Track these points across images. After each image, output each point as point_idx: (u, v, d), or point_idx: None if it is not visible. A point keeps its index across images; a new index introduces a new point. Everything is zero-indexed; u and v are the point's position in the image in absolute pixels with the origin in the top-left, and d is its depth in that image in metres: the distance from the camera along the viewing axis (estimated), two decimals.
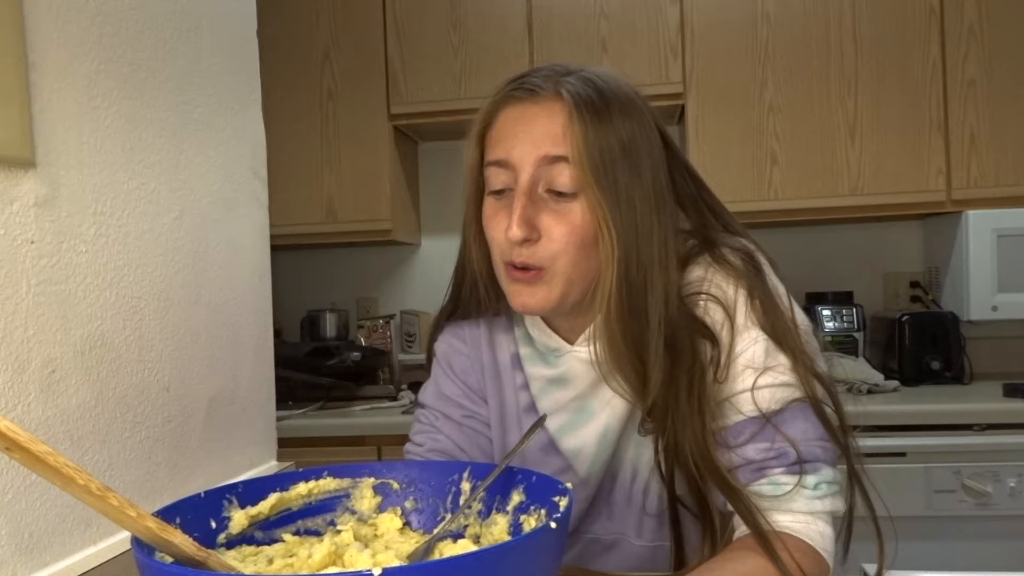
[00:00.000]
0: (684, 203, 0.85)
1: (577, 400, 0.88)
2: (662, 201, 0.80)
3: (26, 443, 0.47)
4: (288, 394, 2.28)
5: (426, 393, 0.97)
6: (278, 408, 1.11)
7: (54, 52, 0.68)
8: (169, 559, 0.53)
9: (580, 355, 0.86)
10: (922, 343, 2.23)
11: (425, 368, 1.01)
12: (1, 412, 0.62)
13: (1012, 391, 2.01)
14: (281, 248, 1.88)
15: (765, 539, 0.72)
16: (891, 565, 0.79)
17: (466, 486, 0.70)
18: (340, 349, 2.43)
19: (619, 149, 0.77)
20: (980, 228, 2.15)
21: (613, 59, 2.32)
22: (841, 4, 2.24)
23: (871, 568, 0.80)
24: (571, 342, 0.88)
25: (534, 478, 0.66)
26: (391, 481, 0.72)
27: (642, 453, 0.86)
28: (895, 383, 2.19)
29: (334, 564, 0.58)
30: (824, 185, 2.25)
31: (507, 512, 0.67)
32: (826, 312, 2.36)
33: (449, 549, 0.62)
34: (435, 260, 2.80)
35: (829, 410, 0.78)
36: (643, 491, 0.87)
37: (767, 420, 0.76)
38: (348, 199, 2.46)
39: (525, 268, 0.79)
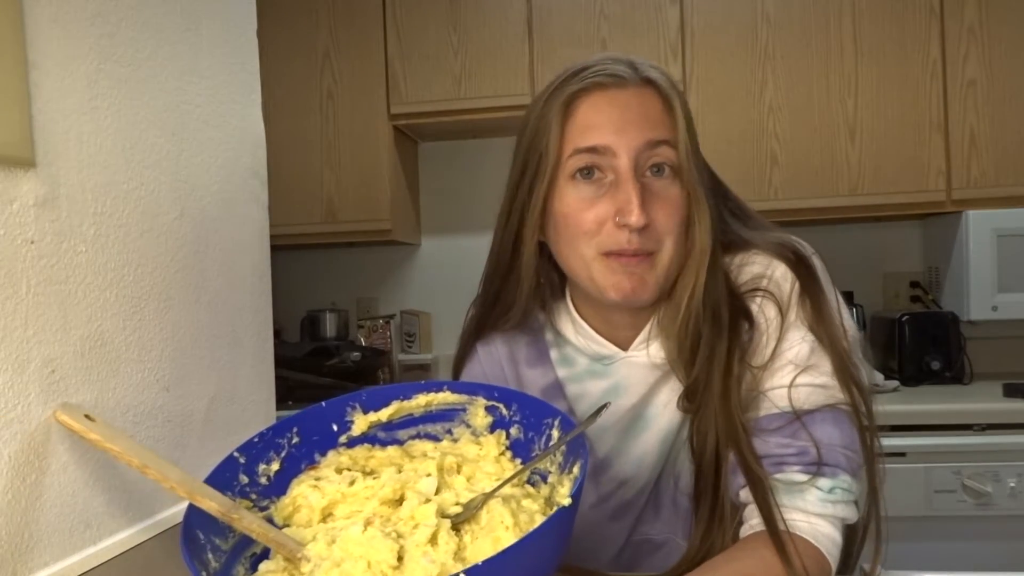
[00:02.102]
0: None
1: (632, 410, 0.86)
2: (709, 181, 0.83)
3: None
4: (288, 394, 2.28)
5: None
6: (278, 408, 1.11)
7: (54, 52, 0.68)
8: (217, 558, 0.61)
9: (636, 359, 0.86)
10: (922, 343, 2.23)
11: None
12: (1, 412, 0.62)
13: (1012, 391, 2.01)
14: (281, 248, 1.88)
15: (777, 536, 0.72)
16: (889, 565, 0.79)
17: (555, 433, 0.71)
18: (340, 349, 2.43)
19: (692, 133, 0.80)
20: (980, 228, 2.15)
21: None
22: (841, 4, 2.25)
23: (870, 566, 0.80)
24: (624, 348, 0.87)
25: (584, 462, 0.65)
26: (500, 406, 0.75)
27: (685, 459, 0.86)
28: (895, 383, 2.19)
29: (402, 497, 0.66)
30: (824, 185, 2.26)
31: (572, 478, 0.68)
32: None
33: (495, 509, 0.62)
34: (435, 260, 2.80)
35: (862, 420, 0.78)
36: (687, 495, 0.86)
37: (796, 417, 0.76)
38: (348, 199, 2.46)
39: (632, 257, 0.78)
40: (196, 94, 0.90)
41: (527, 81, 2.36)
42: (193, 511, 0.62)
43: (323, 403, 0.75)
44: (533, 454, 0.72)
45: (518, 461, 0.73)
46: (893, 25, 2.23)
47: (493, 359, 0.95)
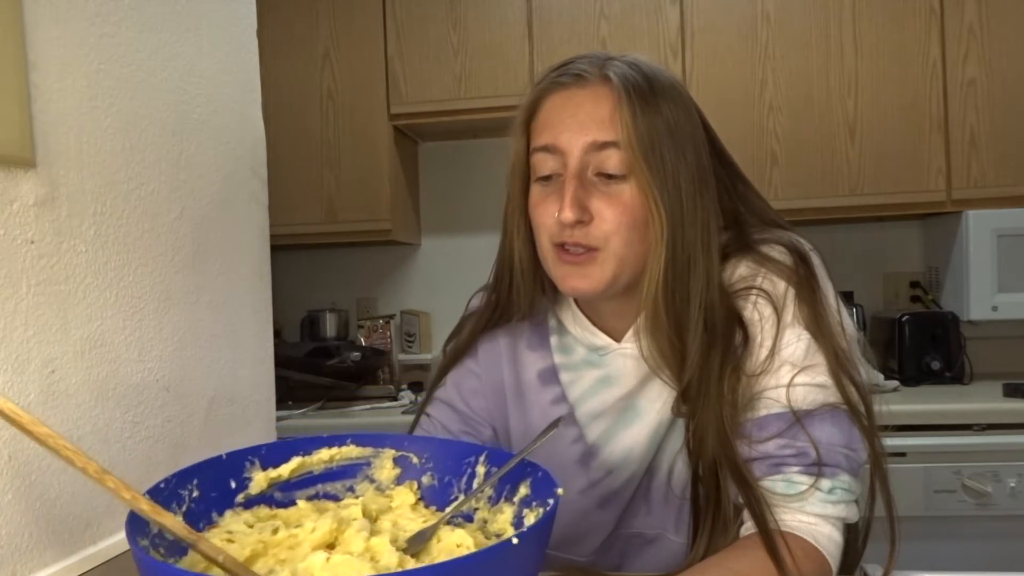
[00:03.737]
0: (720, 191, 0.85)
1: (624, 400, 0.87)
2: (705, 184, 0.81)
3: (28, 425, 0.50)
4: (288, 394, 2.28)
5: (432, 397, 0.97)
6: (278, 408, 1.11)
7: (54, 52, 0.68)
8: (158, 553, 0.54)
9: (627, 351, 0.86)
10: (922, 343, 2.23)
11: (441, 365, 0.99)
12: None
13: (1012, 391, 2.01)
14: (281, 248, 1.88)
15: (769, 538, 0.72)
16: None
17: (481, 470, 0.70)
18: (340, 349, 2.43)
19: (665, 131, 0.78)
20: (980, 228, 2.15)
21: None
22: (841, 4, 2.25)
23: (871, 568, 0.80)
24: (617, 340, 0.88)
25: (540, 474, 0.66)
26: (411, 455, 0.73)
27: (679, 447, 0.86)
28: (895, 383, 2.19)
29: (334, 541, 0.60)
30: (824, 185, 2.25)
31: (514, 503, 0.67)
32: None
33: (447, 536, 0.62)
34: (435, 260, 2.80)
35: (862, 419, 0.77)
36: (680, 489, 0.86)
37: (796, 419, 0.76)
38: (348, 199, 2.46)
39: (576, 252, 0.79)
40: (196, 94, 0.90)
41: (527, 81, 2.36)
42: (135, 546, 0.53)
43: (223, 455, 0.67)
44: (452, 497, 0.70)
45: (433, 508, 0.71)
46: (893, 25, 2.23)
47: (491, 354, 0.95)
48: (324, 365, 2.33)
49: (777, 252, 0.82)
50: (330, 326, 2.66)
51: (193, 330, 0.88)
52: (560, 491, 0.60)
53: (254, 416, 1.03)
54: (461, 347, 0.96)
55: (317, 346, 2.46)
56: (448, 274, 2.77)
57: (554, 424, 0.74)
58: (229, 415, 0.96)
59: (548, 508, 0.59)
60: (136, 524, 0.54)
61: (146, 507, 0.53)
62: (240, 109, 1.01)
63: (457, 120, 2.45)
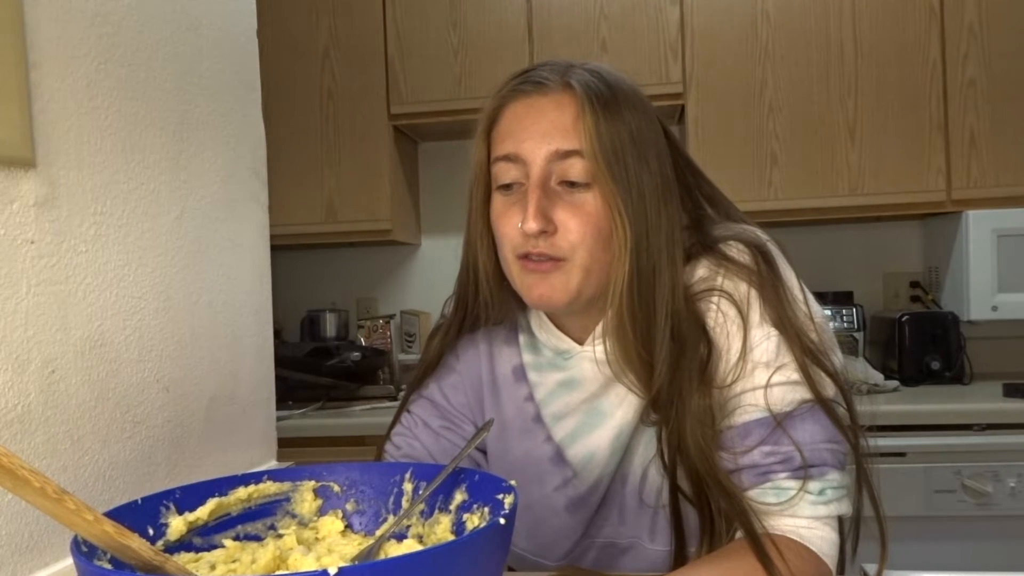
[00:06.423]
0: (683, 195, 0.85)
1: (587, 402, 0.87)
2: (669, 193, 0.80)
3: None
4: (288, 394, 2.28)
5: (412, 397, 0.97)
6: (278, 408, 1.11)
7: (54, 52, 0.68)
8: (108, 565, 0.51)
9: (590, 355, 0.86)
10: (922, 343, 2.23)
11: (418, 369, 0.99)
12: (1, 412, 0.62)
13: (1012, 391, 2.01)
14: (281, 248, 1.88)
15: (757, 542, 0.72)
16: (889, 565, 0.79)
17: (408, 487, 0.69)
18: (340, 349, 2.43)
19: (628, 140, 0.77)
20: (980, 228, 2.15)
21: (613, 59, 2.32)
22: (841, 4, 2.24)
23: (872, 568, 0.80)
24: (581, 343, 0.87)
25: (476, 477, 0.66)
26: (332, 484, 0.71)
27: (652, 454, 0.85)
28: (895, 383, 2.19)
29: (279, 568, 0.58)
30: (824, 185, 2.25)
31: (450, 511, 0.66)
32: (826, 312, 2.36)
33: (394, 549, 0.62)
34: (435, 260, 2.80)
35: (841, 409, 0.77)
36: (655, 494, 0.86)
37: (777, 422, 0.75)
38: (348, 199, 2.46)
39: (541, 261, 0.79)
40: (196, 94, 0.91)
41: None
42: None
43: (139, 499, 0.62)
44: (382, 519, 0.69)
45: (363, 533, 0.69)
46: (893, 25, 2.23)
47: (470, 351, 0.95)
48: (324, 365, 2.33)
49: (736, 251, 0.81)
50: (330, 326, 2.66)
51: (193, 330, 0.88)
52: (513, 483, 0.60)
53: (254, 416, 1.03)
54: (436, 353, 0.96)
55: (317, 346, 2.46)
56: (448, 274, 2.73)
57: (484, 428, 0.74)
58: (229, 415, 0.96)
59: (499, 501, 0.59)
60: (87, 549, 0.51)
61: (110, 528, 0.49)
62: (240, 109, 1.01)
63: (457, 120, 2.45)
